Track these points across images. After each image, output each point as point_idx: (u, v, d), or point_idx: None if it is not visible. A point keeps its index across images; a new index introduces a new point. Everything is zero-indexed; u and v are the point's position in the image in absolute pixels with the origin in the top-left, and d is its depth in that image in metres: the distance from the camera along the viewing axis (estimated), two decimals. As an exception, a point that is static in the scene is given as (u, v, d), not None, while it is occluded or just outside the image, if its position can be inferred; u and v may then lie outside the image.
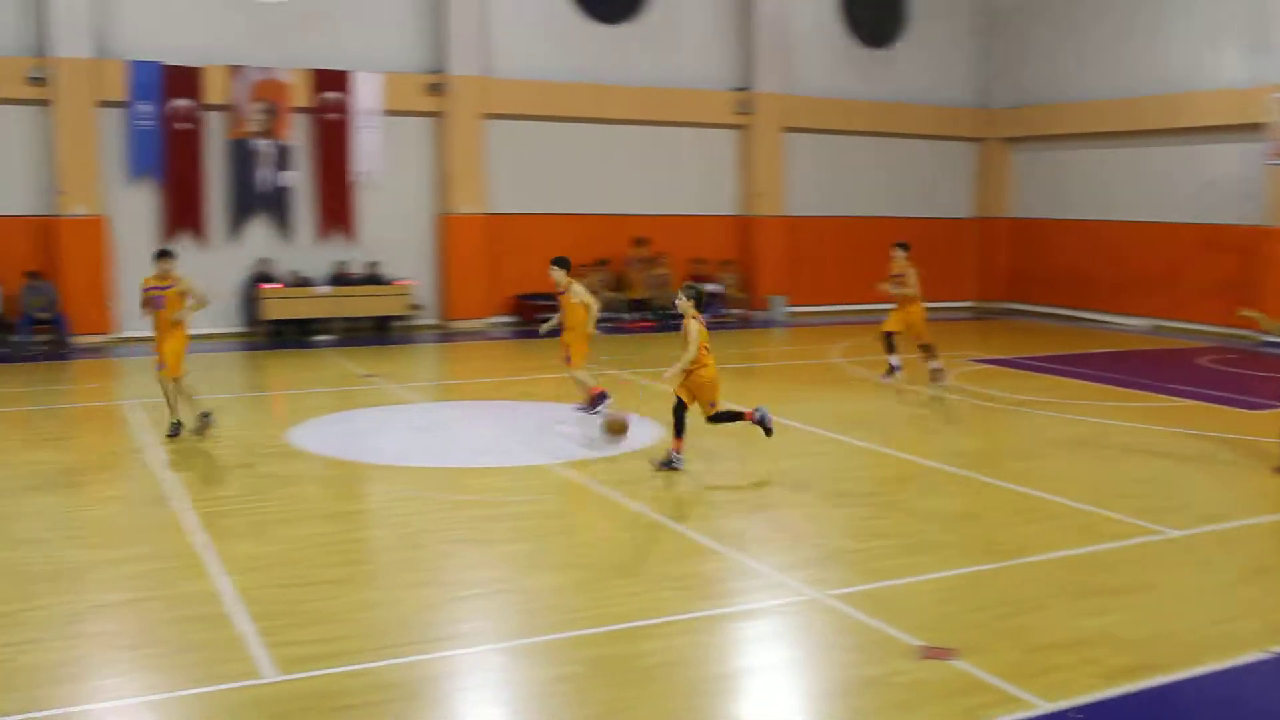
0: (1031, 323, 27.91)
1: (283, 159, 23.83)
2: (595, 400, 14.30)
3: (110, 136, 22.71)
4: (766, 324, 26.90)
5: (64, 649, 7.33)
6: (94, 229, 22.40)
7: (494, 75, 25.23)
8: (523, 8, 25.75)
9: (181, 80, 22.83)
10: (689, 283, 12.28)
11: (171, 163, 23.06)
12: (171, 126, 22.94)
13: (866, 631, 7.59)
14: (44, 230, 22.35)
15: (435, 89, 24.70)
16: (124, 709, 6.52)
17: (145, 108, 22.70)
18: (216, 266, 23.46)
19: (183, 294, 13.64)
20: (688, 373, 11.63)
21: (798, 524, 10.31)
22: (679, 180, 27.57)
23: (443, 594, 8.39)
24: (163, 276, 13.66)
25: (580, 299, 14.25)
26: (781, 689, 6.93)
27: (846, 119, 28.97)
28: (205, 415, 13.72)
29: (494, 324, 25.58)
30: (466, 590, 8.47)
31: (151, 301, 13.70)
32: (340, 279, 23.96)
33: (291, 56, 23.67)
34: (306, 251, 24.11)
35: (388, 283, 24.27)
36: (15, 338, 21.66)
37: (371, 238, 24.51)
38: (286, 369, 20.24)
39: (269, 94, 23.47)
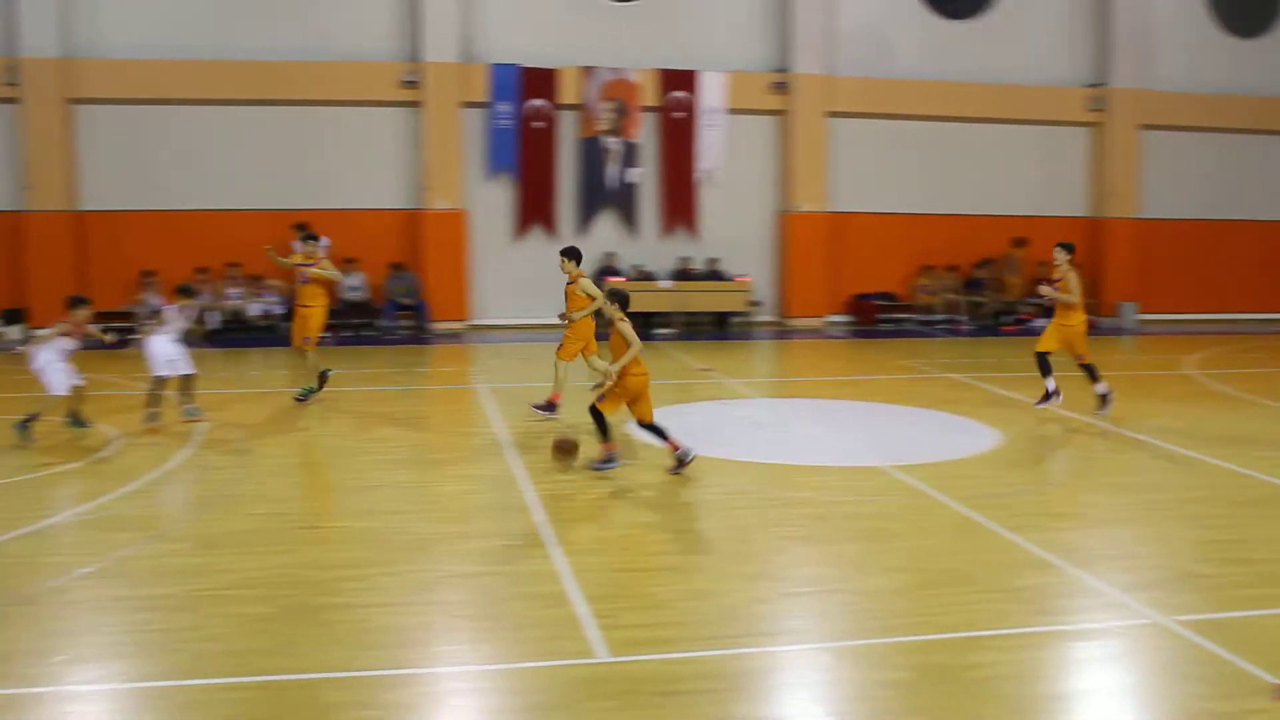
0: None
1: (630, 156, 24.52)
2: (551, 405, 14.31)
3: (471, 135, 24.03)
4: (1115, 331, 25.61)
5: (416, 614, 7.80)
6: (455, 222, 23.74)
7: (837, 73, 25.11)
8: (869, 5, 25.51)
9: (538, 81, 23.87)
10: (613, 288, 12.24)
11: (526, 159, 24.16)
12: (527, 125, 24.02)
13: (1216, 663, 7.09)
14: (410, 223, 23.88)
15: (778, 87, 24.82)
16: (466, 675, 6.87)
17: (504, 107, 23.88)
18: (565, 260, 24.44)
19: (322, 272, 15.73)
20: (622, 375, 11.43)
21: (1142, 543, 9.76)
22: (1020, 180, 26.59)
23: (772, 589, 8.41)
24: (309, 255, 15.73)
25: (585, 292, 14.06)
26: (1119, 716, 6.57)
27: (1211, 115, 27.15)
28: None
29: (831, 323, 25.49)
30: (796, 587, 8.46)
31: (299, 275, 15.79)
32: (682, 274, 24.44)
33: (640, 57, 24.33)
34: (650, 246, 24.73)
35: (728, 279, 24.56)
36: (381, 322, 23.29)
37: (713, 234, 24.88)
38: (627, 360, 20.77)
39: (619, 93, 24.21)
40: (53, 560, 8.99)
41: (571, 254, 14.41)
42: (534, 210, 24.38)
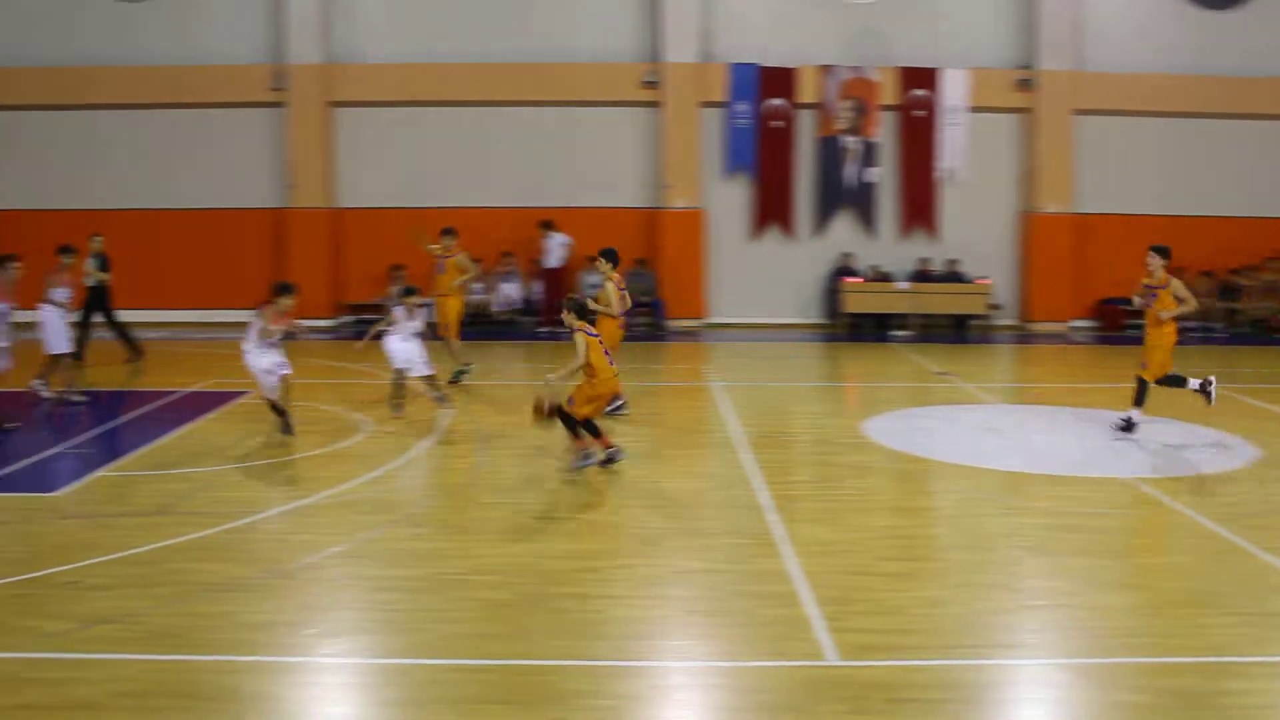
0: None
1: (869, 156, 24.24)
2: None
3: (709, 135, 24.18)
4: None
5: (647, 607, 7.91)
6: (692, 221, 23.94)
7: (1085, 69, 24.23)
8: (1122, -3, 24.52)
9: (776, 80, 23.85)
10: (570, 295, 12.10)
11: (764, 159, 24.17)
12: (765, 124, 24.04)
13: None
14: (649, 221, 24.19)
15: (1023, 84, 24.12)
16: (695, 670, 6.93)
17: (742, 107, 23.96)
18: (801, 260, 24.38)
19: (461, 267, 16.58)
20: (589, 380, 11.25)
21: None
22: (1263, 179, 25.02)
23: (1008, 600, 8.19)
24: (446, 249, 16.87)
25: (608, 293, 14.11)
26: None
27: None
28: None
29: (1075, 328, 24.64)
30: (1032, 599, 8.21)
31: (438, 266, 16.88)
32: (920, 275, 24.04)
33: (880, 55, 24.02)
34: (888, 247, 24.40)
35: (967, 281, 24.03)
36: (618, 319, 23.68)
37: (952, 235, 24.38)
38: (863, 362, 20.60)
39: (858, 92, 23.97)
40: (306, 538, 9.47)
41: (606, 255, 14.39)
42: (771, 210, 24.37)
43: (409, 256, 23.62)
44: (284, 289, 12.96)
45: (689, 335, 23.30)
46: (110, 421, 14.18)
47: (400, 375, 14.40)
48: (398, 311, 14.53)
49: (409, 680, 6.75)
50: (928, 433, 14.01)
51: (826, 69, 23.93)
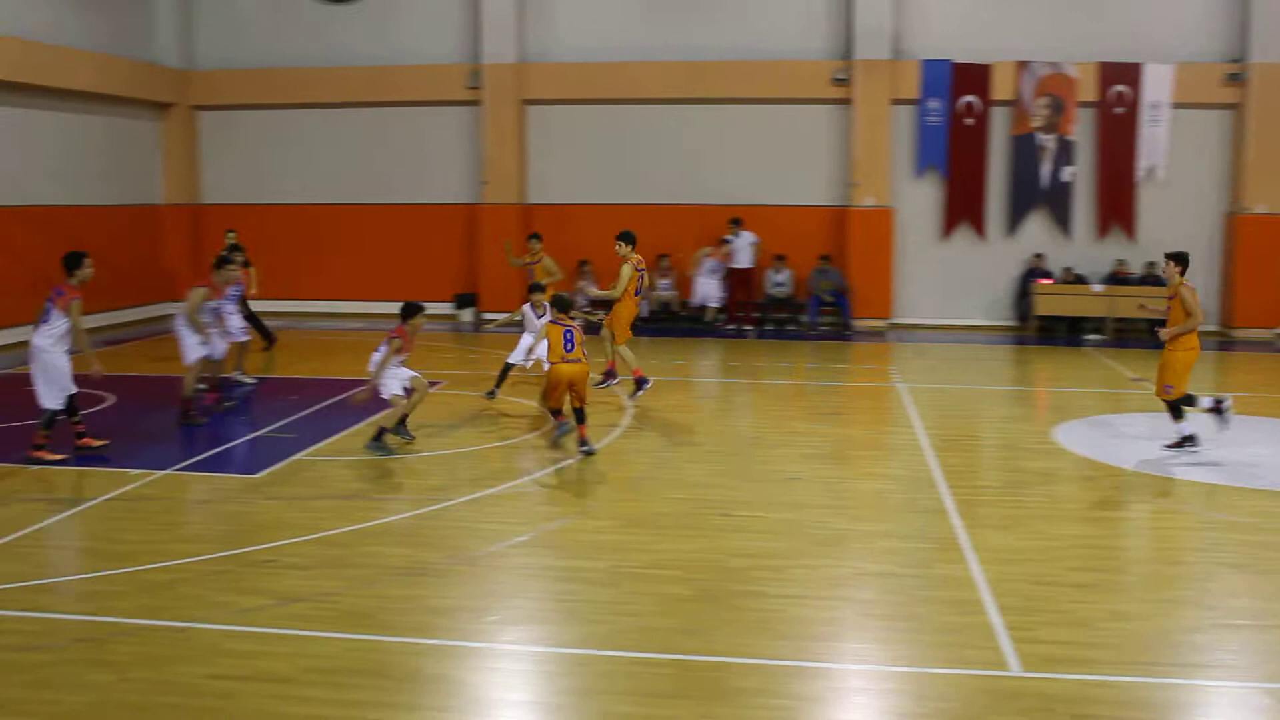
0: None
1: (1065, 154, 23.55)
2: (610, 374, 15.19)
3: (900, 132, 23.83)
4: None
5: (826, 608, 7.87)
6: (881, 220, 23.63)
7: (1303, 61, 23.07)
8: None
9: (970, 77, 23.36)
10: (557, 294, 13.13)
11: (955, 157, 23.70)
12: (958, 122, 23.56)
13: None
14: (835, 219, 23.98)
15: (1233, 79, 23.09)
16: (873, 674, 6.86)
17: (934, 104, 23.54)
18: (991, 260, 23.85)
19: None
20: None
21: None
22: None
23: (1203, 618, 7.87)
24: (532, 253, 17.57)
25: (622, 275, 14.78)
26: None
27: None
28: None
29: (1282, 335, 23.52)
30: (1230, 618, 7.86)
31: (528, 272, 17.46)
32: (1116, 278, 23.24)
33: (1079, 50, 23.27)
34: (1082, 248, 23.66)
35: (1165, 284, 23.10)
36: (804, 317, 23.56)
37: (1151, 236, 23.46)
38: (1054, 366, 20.04)
39: (1054, 88, 23.30)
40: (490, 527, 9.69)
41: (623, 238, 14.98)
42: (962, 209, 23.89)
43: (595, 252, 24.01)
44: (415, 309, 12.51)
45: (875, 335, 23.02)
46: (308, 408, 14.73)
47: (509, 367, 14.96)
48: (526, 309, 15.04)
49: (586, 670, 6.85)
50: (1121, 440, 13.56)
51: (1022, 65, 23.31)
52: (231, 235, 18.88)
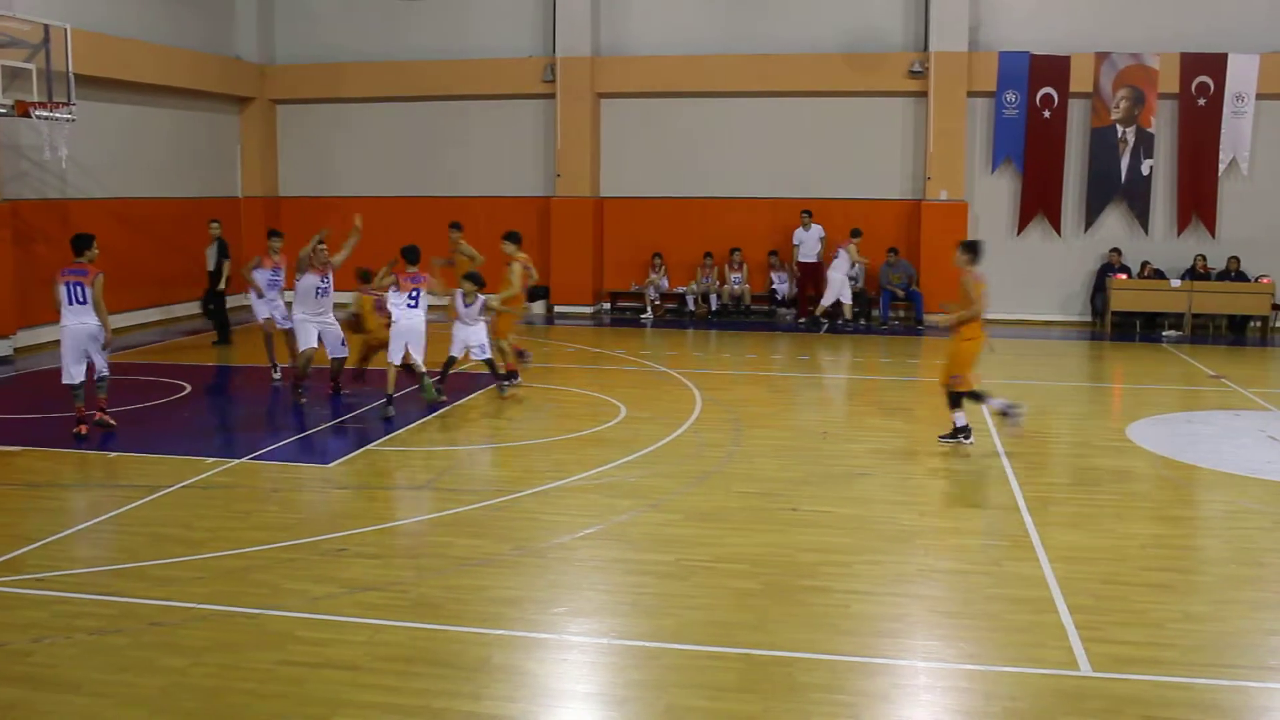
0: None
1: (1144, 147, 23.17)
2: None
3: (976, 125, 23.58)
4: None
5: (893, 604, 7.83)
6: (956, 214, 23.40)
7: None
8: None
9: (1048, 69, 23.05)
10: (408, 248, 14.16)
11: (1032, 150, 23.41)
12: (1035, 115, 23.27)
13: None
14: (910, 213, 23.79)
15: (1323, 70, 22.56)
16: (941, 671, 6.81)
17: (1011, 96, 23.26)
18: (1066, 255, 23.56)
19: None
20: None
21: None
22: None
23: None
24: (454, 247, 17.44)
25: (513, 273, 15.49)
26: None
27: None
28: None
29: (1370, 331, 22.97)
30: (1309, 619, 7.74)
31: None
32: (1195, 273, 22.84)
33: (1160, 40, 22.85)
34: (1161, 243, 23.28)
35: (1248, 280, 22.71)
36: (874, 312, 23.39)
37: (1233, 231, 23.04)
38: (1129, 362, 19.75)
39: (1134, 80, 22.93)
40: (559, 519, 9.74)
41: (509, 237, 15.89)
42: (1038, 203, 23.59)
43: (668, 245, 24.06)
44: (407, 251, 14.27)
45: (947, 331, 22.73)
46: (380, 399, 14.89)
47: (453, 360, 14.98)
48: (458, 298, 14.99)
49: (653, 664, 6.87)
50: (1197, 439, 13.34)
51: (1102, 56, 22.95)
52: (215, 226, 19.57)
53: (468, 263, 16.35)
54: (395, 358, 13.87)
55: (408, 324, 13.80)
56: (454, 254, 16.90)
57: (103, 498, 10.36)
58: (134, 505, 10.09)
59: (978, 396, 12.58)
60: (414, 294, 13.91)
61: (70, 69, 17.58)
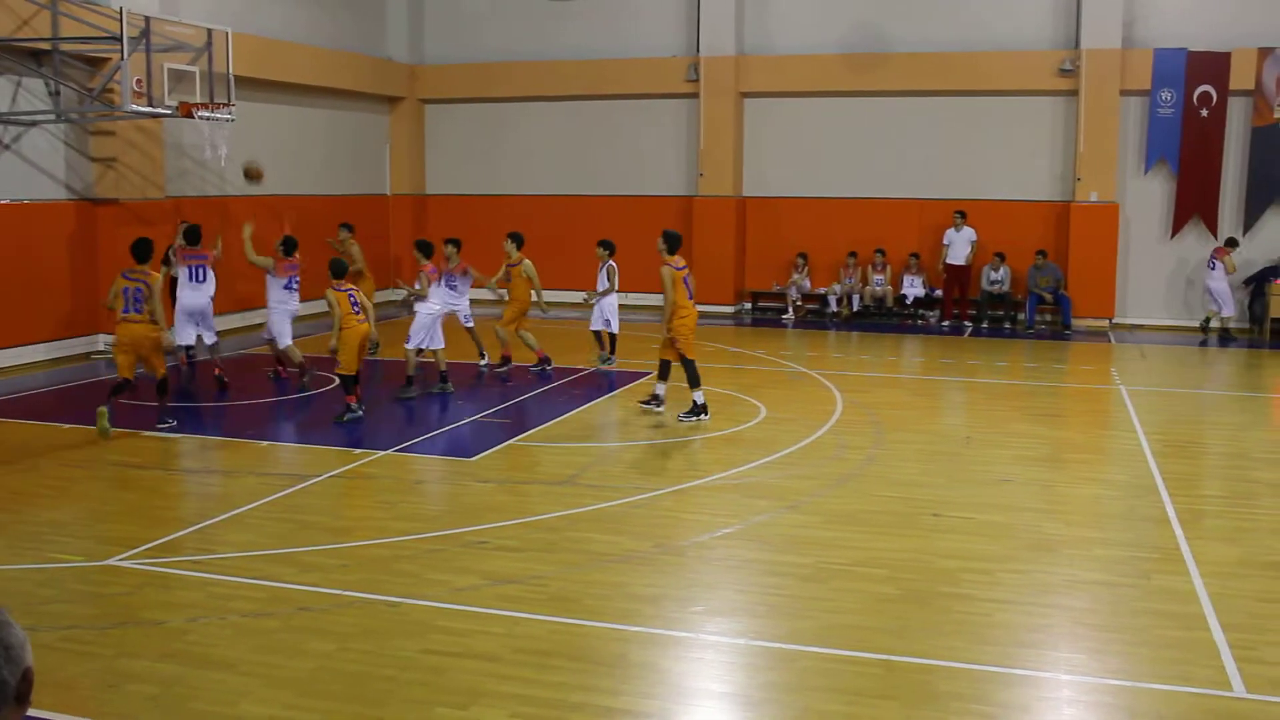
0: None
1: (1310, 147, 22.25)
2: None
3: (1129, 125, 22.92)
4: None
5: (1037, 615, 7.67)
6: (1106, 215, 22.80)
7: None
8: None
9: (1206, 66, 22.29)
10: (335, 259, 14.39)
11: (1188, 151, 22.66)
12: (1191, 114, 22.53)
13: None
14: (1059, 215, 23.25)
15: None
16: (1085, 685, 6.65)
17: (1166, 95, 22.56)
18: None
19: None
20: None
21: None
22: None
23: None
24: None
25: (527, 274, 16.28)
26: None
27: None
28: None
29: None
30: None
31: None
32: (1363, 279, 21.89)
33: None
34: (1326, 248, 22.38)
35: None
36: (1021, 315, 22.91)
37: None
38: (1289, 371, 19.05)
39: (1301, 78, 22.06)
40: (697, 518, 9.77)
41: (513, 238, 16.56)
42: (1193, 205, 22.83)
43: (811, 245, 23.91)
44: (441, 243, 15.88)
45: (1096, 335, 22.23)
46: (523, 395, 15.10)
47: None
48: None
49: (790, 666, 6.84)
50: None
51: (1265, 52, 22.11)
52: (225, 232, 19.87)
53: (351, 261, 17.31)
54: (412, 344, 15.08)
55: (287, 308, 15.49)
56: (341, 253, 17.89)
57: (256, 485, 10.70)
58: (284, 493, 10.39)
59: (665, 373, 13.55)
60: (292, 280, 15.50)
61: (230, 71, 18.16)
